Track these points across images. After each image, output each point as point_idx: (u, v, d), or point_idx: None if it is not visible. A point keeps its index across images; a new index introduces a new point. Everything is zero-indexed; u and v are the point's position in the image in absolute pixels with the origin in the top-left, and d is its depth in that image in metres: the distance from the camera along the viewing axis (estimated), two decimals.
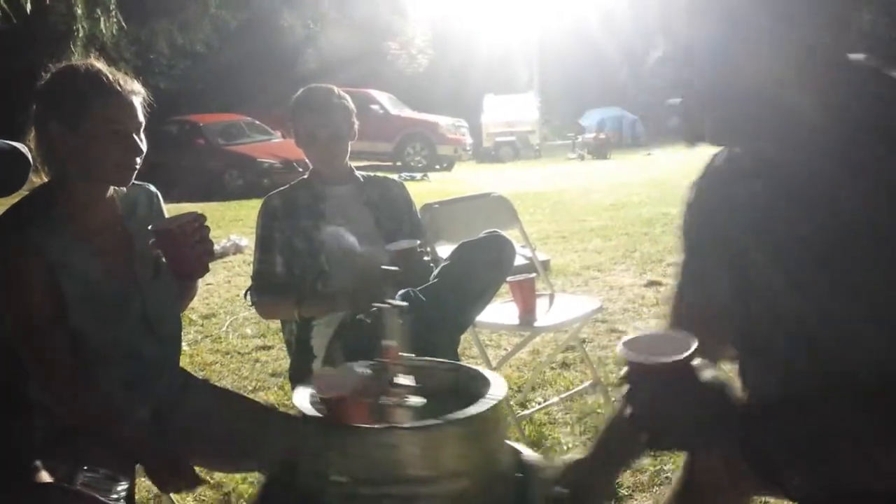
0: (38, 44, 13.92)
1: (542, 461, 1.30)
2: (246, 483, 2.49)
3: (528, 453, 1.27)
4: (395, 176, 2.62)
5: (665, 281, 4.96)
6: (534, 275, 2.85)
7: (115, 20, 12.24)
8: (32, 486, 1.27)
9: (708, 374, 0.96)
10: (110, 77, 1.60)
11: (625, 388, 0.98)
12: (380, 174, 2.59)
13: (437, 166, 17.59)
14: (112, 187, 1.68)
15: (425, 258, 2.25)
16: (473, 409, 1.12)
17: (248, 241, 7.04)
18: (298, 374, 2.29)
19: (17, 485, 1.25)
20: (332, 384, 1.16)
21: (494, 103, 22.59)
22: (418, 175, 15.23)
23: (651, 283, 4.93)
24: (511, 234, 2.39)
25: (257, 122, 14.91)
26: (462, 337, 2.37)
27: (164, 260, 1.67)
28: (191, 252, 1.64)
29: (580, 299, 3.11)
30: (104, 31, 12.36)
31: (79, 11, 11.86)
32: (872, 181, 0.91)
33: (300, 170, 9.52)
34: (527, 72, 26.85)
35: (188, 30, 19.55)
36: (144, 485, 1.96)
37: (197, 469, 1.57)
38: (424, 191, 10.93)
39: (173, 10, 18.82)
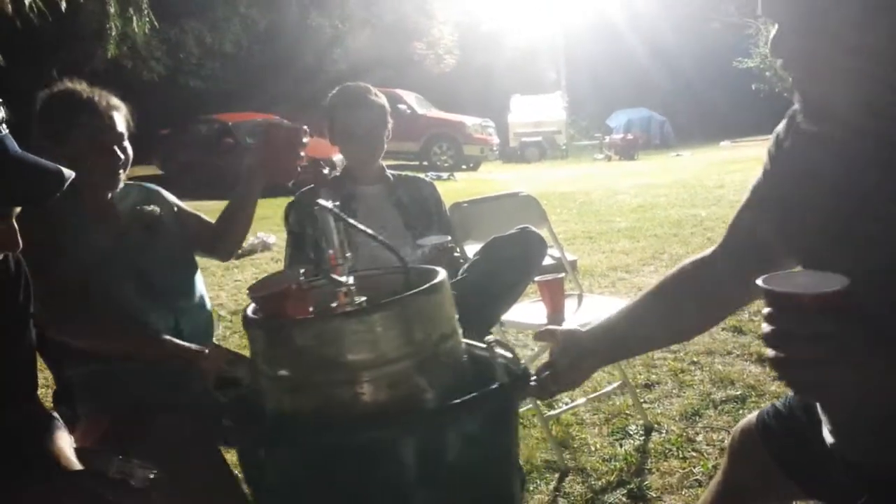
0: (71, 42, 14.15)
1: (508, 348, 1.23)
2: None
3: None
4: (422, 176, 2.62)
5: None
6: (562, 275, 2.84)
7: (147, 19, 12.39)
8: (62, 474, 1.28)
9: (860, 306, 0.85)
10: (85, 96, 1.80)
11: (768, 329, 0.86)
12: (410, 174, 2.60)
13: (464, 166, 17.60)
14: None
15: (455, 254, 2.24)
16: (406, 294, 1.09)
17: (275, 239, 7.08)
18: None
19: (49, 474, 1.26)
20: (263, 286, 1.19)
21: (521, 103, 22.56)
22: (445, 175, 15.25)
23: None
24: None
25: (286, 121, 14.97)
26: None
27: (262, 158, 1.94)
28: (289, 156, 1.91)
29: (609, 300, 3.09)
30: (136, 29, 12.51)
31: (112, 10, 12.01)
32: None
33: (327, 169, 9.55)
34: (554, 72, 26.78)
35: (218, 30, 19.74)
36: None
37: None
38: (451, 190, 10.94)
39: (203, 10, 19.02)
